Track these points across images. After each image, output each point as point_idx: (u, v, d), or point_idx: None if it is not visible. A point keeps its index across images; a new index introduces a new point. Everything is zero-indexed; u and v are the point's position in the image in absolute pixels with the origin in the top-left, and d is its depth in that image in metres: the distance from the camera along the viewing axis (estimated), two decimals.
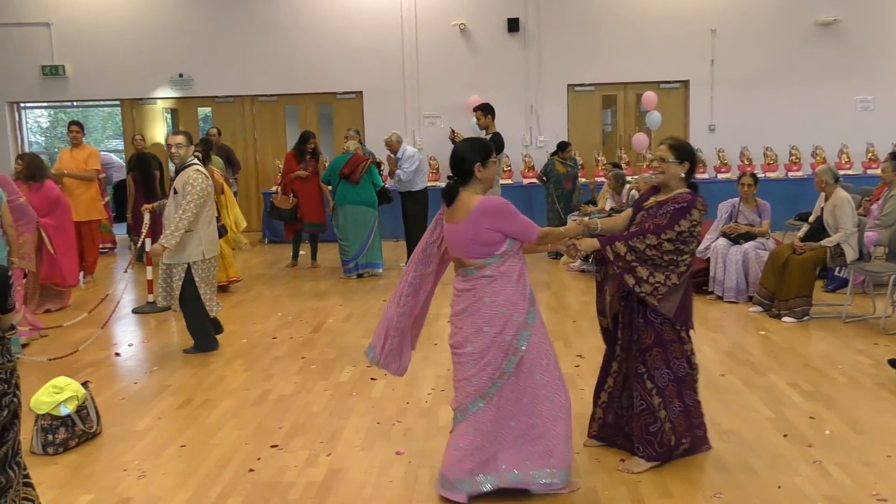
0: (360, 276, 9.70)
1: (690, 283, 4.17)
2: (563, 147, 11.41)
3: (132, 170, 11.24)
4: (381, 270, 9.90)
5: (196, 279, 6.33)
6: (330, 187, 9.78)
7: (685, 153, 4.15)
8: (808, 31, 13.30)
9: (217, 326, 6.81)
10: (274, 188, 11.79)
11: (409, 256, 10.32)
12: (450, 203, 3.85)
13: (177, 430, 4.89)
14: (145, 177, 10.95)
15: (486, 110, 8.97)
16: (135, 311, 8.13)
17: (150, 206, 7.57)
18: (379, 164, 10.85)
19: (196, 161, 6.42)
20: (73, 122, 10.02)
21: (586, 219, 4.45)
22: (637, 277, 3.98)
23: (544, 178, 11.41)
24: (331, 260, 10.73)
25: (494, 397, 3.78)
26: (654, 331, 4.07)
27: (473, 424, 3.79)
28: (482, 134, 9.08)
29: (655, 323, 4.07)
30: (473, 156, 3.81)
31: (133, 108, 14.22)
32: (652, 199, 4.24)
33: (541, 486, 3.83)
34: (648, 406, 4.10)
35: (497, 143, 8.74)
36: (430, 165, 13.11)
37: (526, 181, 13.02)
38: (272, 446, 4.60)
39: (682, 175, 4.11)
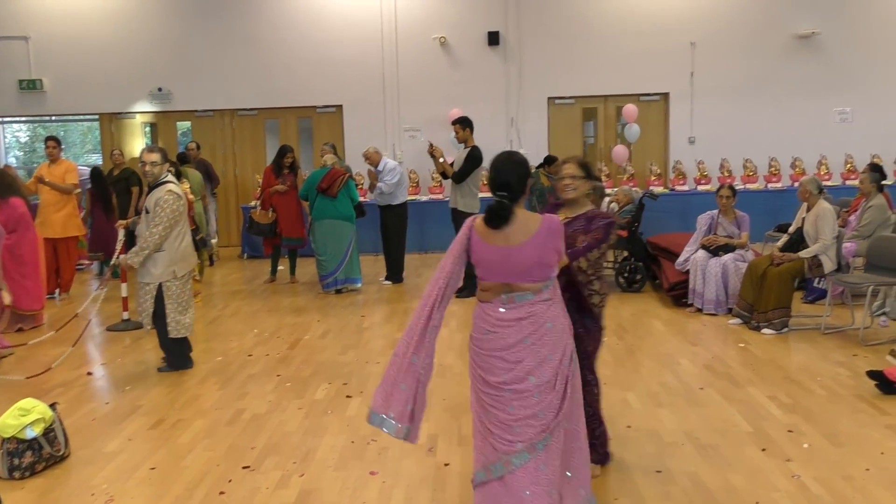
0: (338, 291, 9.63)
1: None
2: (549, 161, 11.38)
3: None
4: (359, 285, 9.84)
5: (165, 299, 6.23)
6: (307, 202, 9.72)
7: (590, 170, 4.25)
8: (786, 44, 13.39)
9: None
10: (253, 203, 11.71)
11: (388, 270, 10.31)
12: (506, 224, 3.38)
13: (147, 451, 4.80)
14: (103, 192, 10.82)
15: (464, 124, 8.94)
16: (109, 329, 8.01)
17: (124, 221, 7.47)
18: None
19: (170, 179, 6.32)
20: (49, 138, 9.89)
21: None
22: (591, 287, 4.09)
23: (527, 190, 11.36)
24: (310, 275, 10.64)
25: (559, 427, 3.44)
26: (593, 337, 4.16)
27: (545, 461, 3.36)
28: (461, 147, 9.05)
29: (594, 330, 4.15)
30: (527, 169, 3.54)
31: (112, 122, 14.13)
32: (563, 215, 4.16)
33: None
34: (595, 412, 4.18)
35: (475, 157, 8.73)
36: (409, 179, 13.07)
37: None
38: (244, 467, 4.51)
39: (590, 191, 4.23)
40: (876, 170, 9.23)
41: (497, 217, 3.35)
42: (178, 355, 6.50)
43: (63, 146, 10.28)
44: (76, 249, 10.19)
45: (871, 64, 13.34)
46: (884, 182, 8.91)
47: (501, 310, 3.41)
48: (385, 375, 3.45)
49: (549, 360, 3.39)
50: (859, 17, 13.30)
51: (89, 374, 6.52)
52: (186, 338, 6.49)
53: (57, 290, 9.47)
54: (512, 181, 3.42)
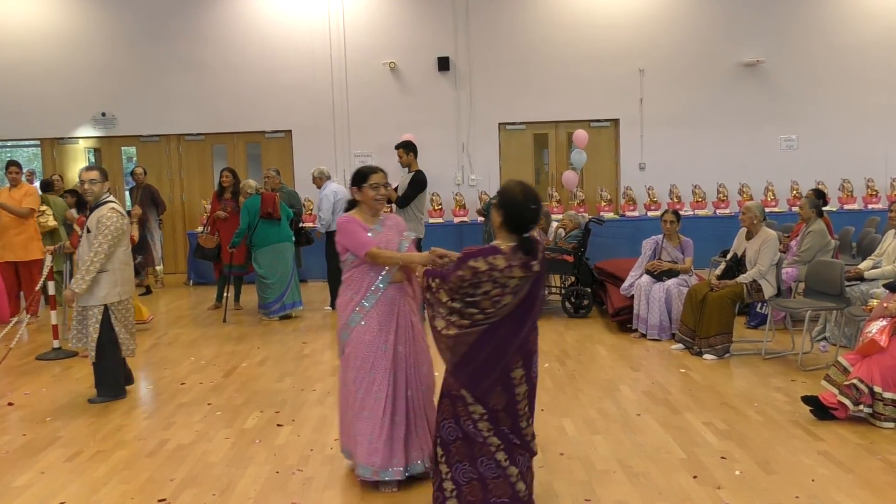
0: (284, 317, 9.47)
1: (490, 346, 3.64)
2: None
3: None
4: (301, 307, 9.74)
5: (113, 321, 6.09)
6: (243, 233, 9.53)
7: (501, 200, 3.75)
8: (732, 72, 13.55)
9: (128, 377, 6.54)
10: (199, 228, 11.50)
11: (331, 297, 10.20)
12: None
13: (59, 485, 4.57)
14: None
15: (407, 148, 8.84)
16: (39, 358, 7.72)
17: (51, 247, 7.25)
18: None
19: (111, 199, 6.18)
20: (11, 163, 9.67)
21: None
22: (432, 313, 3.79)
23: (485, 215, 11.32)
24: (255, 302, 10.51)
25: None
26: (445, 380, 3.81)
27: None
28: (404, 172, 8.95)
29: (447, 372, 3.80)
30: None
31: (54, 147, 13.82)
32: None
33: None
34: (433, 452, 3.90)
35: (419, 182, 8.63)
36: None
37: (457, 219, 12.93)
38: (160, 501, 4.31)
39: (499, 223, 3.71)
40: (819, 196, 9.33)
41: None
42: (114, 384, 6.27)
43: (23, 170, 10.05)
44: (40, 273, 9.88)
45: (815, 92, 13.54)
46: (825, 208, 8.99)
47: None
48: None
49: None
50: (803, 45, 13.52)
51: (10, 404, 6.25)
52: (125, 368, 6.33)
53: (26, 313, 9.16)
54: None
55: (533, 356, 3.76)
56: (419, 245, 8.83)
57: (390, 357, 4.28)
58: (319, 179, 10.11)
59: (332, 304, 10.13)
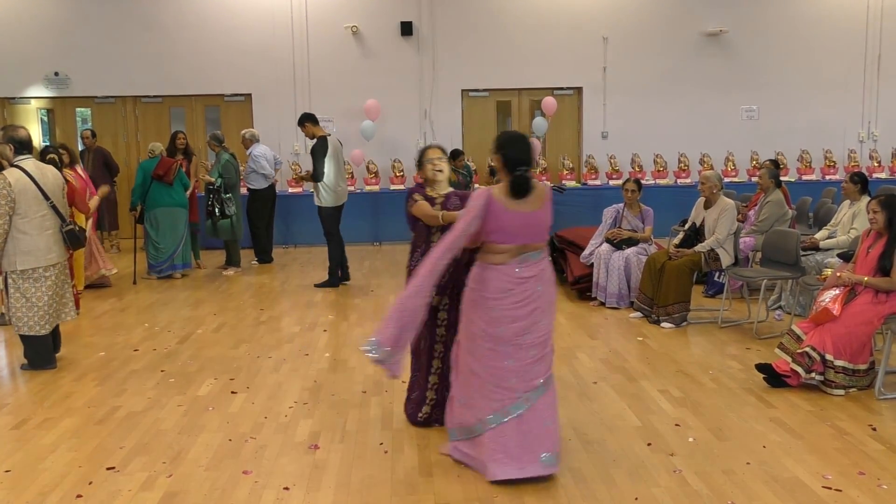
0: (169, 276, 9.88)
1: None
2: (455, 155, 11.27)
3: None
4: (190, 269, 10.18)
5: (10, 290, 5.88)
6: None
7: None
8: (696, 41, 13.55)
9: (55, 345, 6.27)
10: None
11: (255, 251, 10.77)
12: (530, 193, 3.94)
13: (4, 453, 4.46)
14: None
15: (302, 121, 9.33)
16: None
17: None
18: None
19: (19, 164, 5.84)
20: None
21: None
22: None
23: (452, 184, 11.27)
24: (212, 266, 10.44)
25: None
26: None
27: (553, 397, 4.07)
28: (311, 143, 9.21)
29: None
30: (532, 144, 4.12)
31: (5, 107, 13.40)
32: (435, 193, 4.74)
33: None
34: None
35: (316, 150, 9.06)
36: None
37: None
38: (108, 468, 4.23)
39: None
40: (775, 165, 9.40)
41: (523, 188, 3.90)
42: (33, 352, 6.04)
43: None
44: None
45: (777, 63, 13.61)
46: (783, 178, 9.06)
47: (517, 269, 3.96)
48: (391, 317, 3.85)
49: (551, 308, 4.05)
50: (766, 16, 13.55)
51: None
52: (48, 336, 6.06)
53: None
54: (528, 156, 3.94)
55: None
56: (341, 210, 9.08)
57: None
58: (250, 141, 10.62)
59: (259, 260, 10.92)
